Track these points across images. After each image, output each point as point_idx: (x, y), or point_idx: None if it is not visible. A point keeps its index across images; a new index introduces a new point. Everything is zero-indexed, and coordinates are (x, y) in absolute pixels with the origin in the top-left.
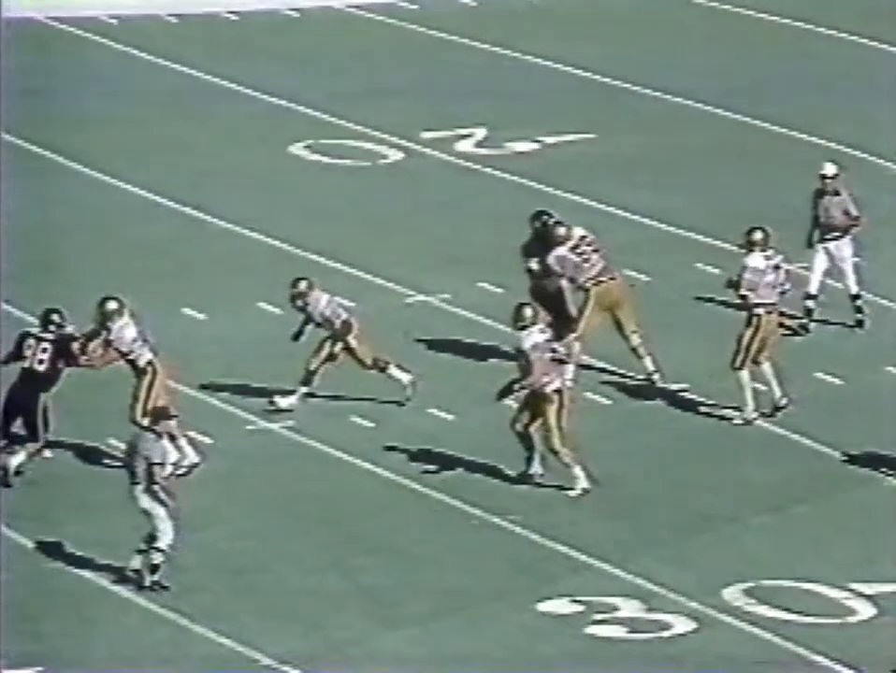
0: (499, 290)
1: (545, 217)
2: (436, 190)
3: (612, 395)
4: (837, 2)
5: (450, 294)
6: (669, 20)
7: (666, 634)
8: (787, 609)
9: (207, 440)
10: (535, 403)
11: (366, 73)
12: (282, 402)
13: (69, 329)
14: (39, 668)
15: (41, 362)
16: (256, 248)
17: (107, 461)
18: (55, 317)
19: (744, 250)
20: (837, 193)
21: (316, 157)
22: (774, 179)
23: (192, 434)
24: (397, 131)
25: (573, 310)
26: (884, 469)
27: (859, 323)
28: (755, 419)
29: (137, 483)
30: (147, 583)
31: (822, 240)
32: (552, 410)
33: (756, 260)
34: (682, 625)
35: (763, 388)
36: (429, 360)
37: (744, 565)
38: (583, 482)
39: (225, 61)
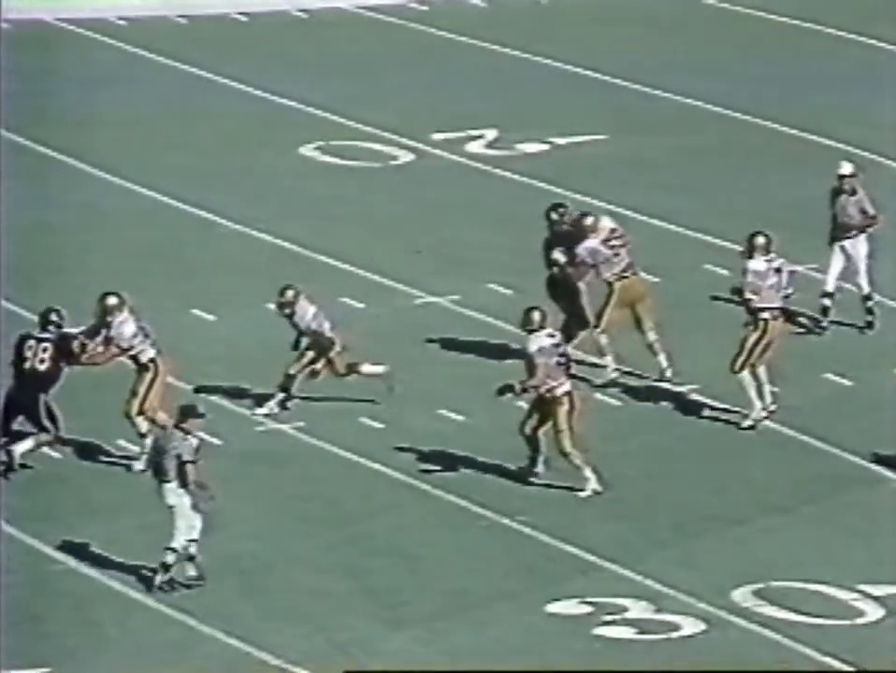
0: (509, 291)
1: (562, 209)
2: (446, 191)
3: (620, 397)
4: (839, 2)
5: (459, 296)
6: (680, 21)
7: (675, 635)
8: (796, 611)
9: (216, 441)
10: (544, 407)
11: (375, 74)
12: (260, 410)
13: (70, 330)
14: (45, 669)
15: (42, 361)
16: (265, 249)
17: (113, 460)
18: (54, 317)
19: (746, 255)
20: (854, 192)
21: (327, 158)
22: (787, 180)
23: (202, 434)
24: (407, 132)
25: (588, 311)
26: (893, 470)
27: (869, 325)
28: (764, 417)
29: (167, 481)
30: (157, 583)
31: (839, 238)
32: (562, 413)
33: (757, 263)
34: (691, 627)
35: (775, 389)
36: (439, 361)
37: (753, 567)
38: (594, 484)
39: (234, 62)
